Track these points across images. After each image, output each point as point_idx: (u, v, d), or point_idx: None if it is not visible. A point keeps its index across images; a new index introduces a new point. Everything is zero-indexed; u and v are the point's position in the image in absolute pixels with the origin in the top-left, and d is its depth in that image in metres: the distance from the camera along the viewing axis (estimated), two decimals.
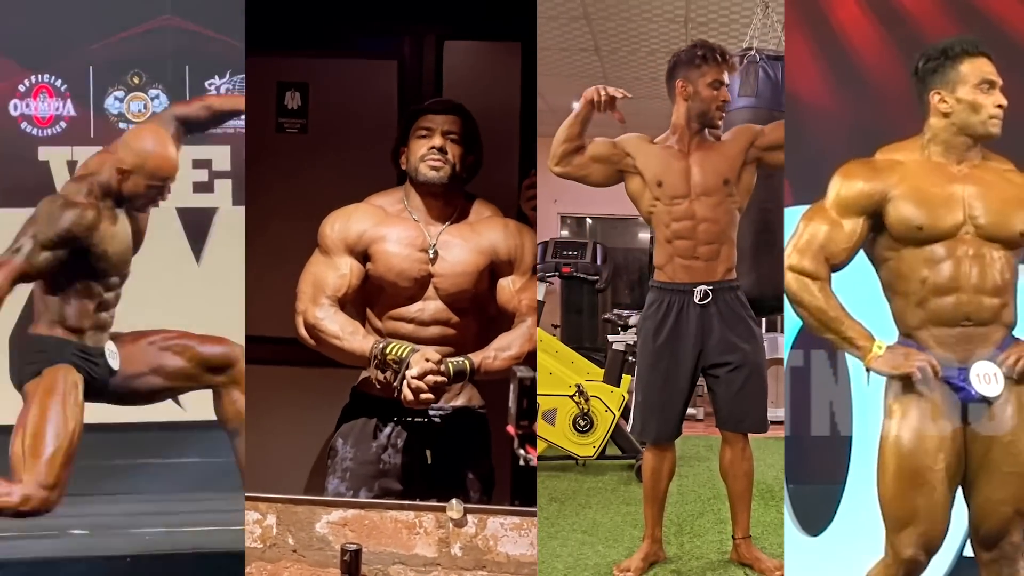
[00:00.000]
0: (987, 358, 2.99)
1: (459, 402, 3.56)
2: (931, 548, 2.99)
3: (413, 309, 3.52)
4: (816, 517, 4.12)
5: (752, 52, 4.67)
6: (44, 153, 5.46)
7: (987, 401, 2.98)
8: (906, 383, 2.98)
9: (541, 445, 5.98)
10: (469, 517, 3.51)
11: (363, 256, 3.54)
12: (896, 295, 3.06)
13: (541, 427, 5.93)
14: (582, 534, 4.79)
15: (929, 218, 2.99)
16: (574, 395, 6.11)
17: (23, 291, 3.93)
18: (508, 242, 3.57)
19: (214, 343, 4.14)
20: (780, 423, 4.37)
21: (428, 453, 3.51)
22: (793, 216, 4.16)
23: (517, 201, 3.69)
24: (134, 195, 4.00)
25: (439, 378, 3.36)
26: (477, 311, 3.57)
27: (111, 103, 5.53)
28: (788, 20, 4.36)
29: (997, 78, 3.01)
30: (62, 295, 3.98)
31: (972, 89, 3.01)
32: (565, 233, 10.42)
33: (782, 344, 5.68)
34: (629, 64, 8.18)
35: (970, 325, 2.98)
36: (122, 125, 5.48)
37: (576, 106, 4.02)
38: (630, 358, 6.49)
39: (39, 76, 5.48)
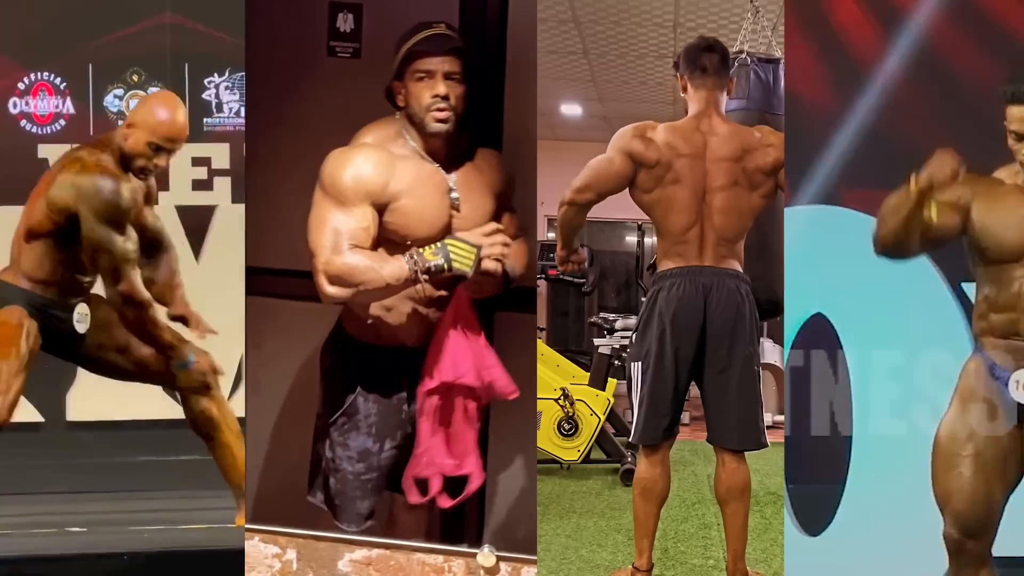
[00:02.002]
0: None
1: None
2: (967, 530, 3.17)
3: None
4: (816, 517, 4.12)
5: (743, 55, 4.69)
6: (44, 151, 5.45)
7: None
8: (968, 380, 3.24)
9: None
10: (502, 565, 3.38)
11: (382, 208, 3.35)
12: (975, 304, 3.28)
13: None
14: (566, 538, 4.76)
15: (995, 235, 3.15)
16: (559, 399, 6.09)
17: None
18: (505, 177, 3.54)
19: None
20: (780, 424, 4.37)
21: None
22: (793, 216, 4.17)
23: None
24: (135, 154, 3.91)
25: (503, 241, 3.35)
26: None
27: (110, 101, 5.51)
28: (788, 21, 4.36)
29: None
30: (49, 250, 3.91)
31: (1011, 135, 3.16)
32: (552, 236, 10.37)
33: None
34: (618, 68, 8.16)
35: (1018, 339, 3.16)
36: (121, 123, 5.47)
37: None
38: (616, 362, 6.48)
39: (39, 74, 5.47)
